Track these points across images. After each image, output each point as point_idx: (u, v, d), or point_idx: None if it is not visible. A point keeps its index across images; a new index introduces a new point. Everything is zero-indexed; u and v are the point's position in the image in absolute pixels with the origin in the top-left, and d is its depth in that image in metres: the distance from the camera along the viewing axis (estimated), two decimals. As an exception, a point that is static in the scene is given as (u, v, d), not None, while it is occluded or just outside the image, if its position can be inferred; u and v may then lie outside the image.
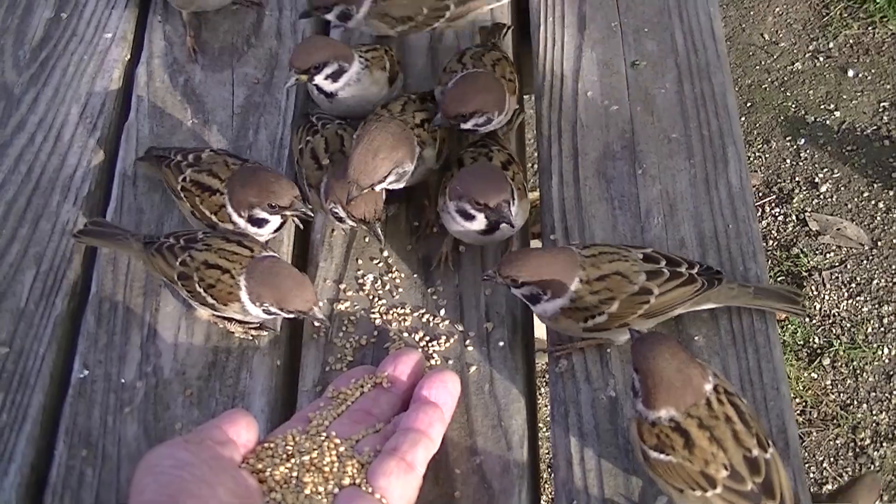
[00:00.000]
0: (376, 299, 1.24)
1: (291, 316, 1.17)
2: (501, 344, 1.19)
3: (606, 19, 1.44)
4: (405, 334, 1.20)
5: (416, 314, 1.22)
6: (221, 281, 1.16)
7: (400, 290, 1.24)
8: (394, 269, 1.26)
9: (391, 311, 1.23)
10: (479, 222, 1.17)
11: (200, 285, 1.18)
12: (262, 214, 1.22)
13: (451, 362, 1.18)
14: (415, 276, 1.25)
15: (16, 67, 1.56)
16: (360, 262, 1.28)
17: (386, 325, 1.21)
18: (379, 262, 1.28)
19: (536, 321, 1.24)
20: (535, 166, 1.37)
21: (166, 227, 1.35)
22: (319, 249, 1.30)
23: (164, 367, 1.24)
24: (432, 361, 1.18)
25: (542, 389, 2.10)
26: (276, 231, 1.26)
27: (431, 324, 1.21)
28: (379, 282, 1.25)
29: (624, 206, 1.27)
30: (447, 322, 1.21)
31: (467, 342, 1.19)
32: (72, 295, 1.33)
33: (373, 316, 1.23)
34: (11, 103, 1.51)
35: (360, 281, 1.26)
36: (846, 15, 2.93)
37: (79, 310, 1.32)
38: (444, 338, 1.19)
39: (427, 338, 1.20)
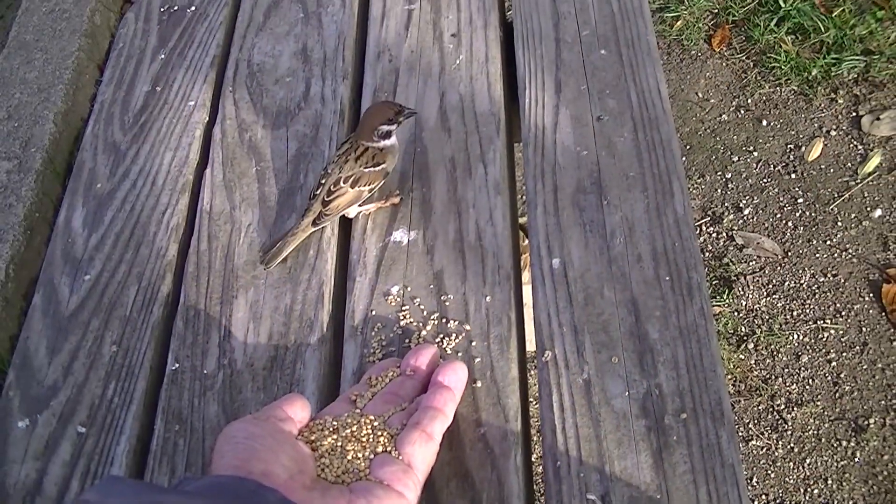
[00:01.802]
0: (401, 305, 1.21)
1: (393, 125, 1.30)
2: (499, 340, 1.16)
3: (577, 83, 1.41)
4: (423, 333, 1.18)
5: (432, 317, 1.19)
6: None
7: (418, 298, 1.21)
8: (414, 281, 1.23)
9: (412, 315, 1.20)
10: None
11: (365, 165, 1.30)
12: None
13: (460, 354, 1.15)
14: (430, 286, 1.22)
15: (122, 129, 1.55)
16: (387, 276, 1.25)
17: (408, 326, 1.19)
18: (402, 277, 1.25)
19: (527, 320, 1.21)
20: (524, 198, 1.34)
21: (237, 254, 1.33)
22: (356, 267, 1.27)
23: (237, 361, 1.22)
24: (445, 354, 1.15)
25: (532, 373, 2.09)
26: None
27: (444, 324, 1.18)
28: (402, 292, 1.23)
29: (594, 230, 1.24)
30: (456, 323, 1.18)
31: (472, 339, 1.16)
32: (165, 305, 1.32)
33: (398, 318, 1.20)
34: (119, 157, 1.50)
35: (388, 291, 1.23)
36: (760, 78, 2.91)
37: (171, 316, 1.30)
38: (454, 335, 1.16)
39: (441, 335, 1.17)
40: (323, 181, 1.30)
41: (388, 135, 1.29)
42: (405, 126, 1.40)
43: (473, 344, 1.16)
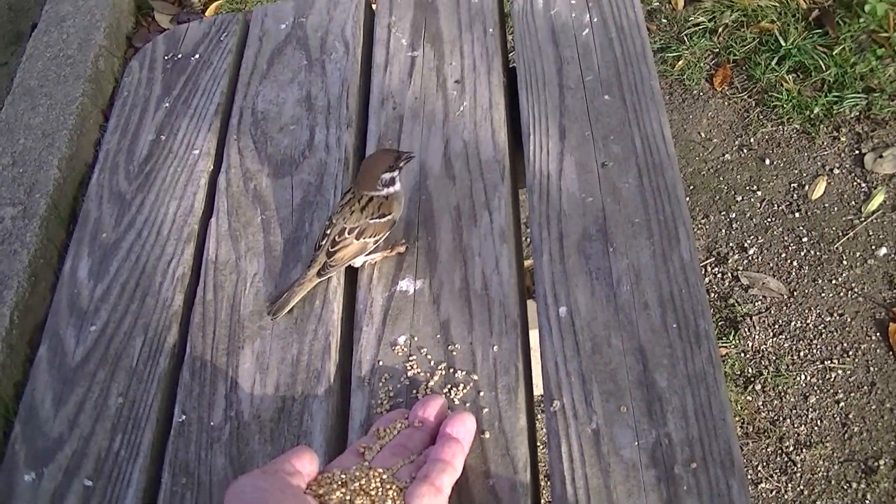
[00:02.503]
0: (408, 356, 1.22)
1: (396, 172, 1.30)
2: (507, 390, 1.16)
3: (581, 129, 1.42)
4: (431, 383, 1.18)
5: (439, 367, 1.19)
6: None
7: (425, 348, 1.22)
8: (421, 332, 1.24)
9: (420, 365, 1.20)
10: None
11: (371, 216, 1.30)
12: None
13: (467, 405, 1.15)
14: (437, 336, 1.23)
15: (127, 178, 1.56)
16: (394, 326, 1.25)
17: (416, 377, 1.19)
18: (409, 327, 1.25)
19: (534, 370, 1.22)
20: (530, 244, 1.35)
21: (243, 304, 1.34)
22: (363, 317, 1.28)
23: (244, 412, 1.22)
24: (453, 405, 1.15)
25: (540, 425, 2.08)
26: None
27: (451, 375, 1.18)
28: (409, 342, 1.23)
29: (600, 277, 1.24)
30: (464, 373, 1.18)
31: (480, 389, 1.16)
32: (171, 355, 1.32)
33: (406, 369, 1.20)
34: (124, 206, 1.51)
35: (395, 341, 1.24)
36: (762, 117, 2.93)
37: (177, 367, 1.31)
38: (461, 385, 1.17)
39: (448, 385, 1.17)
40: (327, 231, 1.31)
41: (391, 182, 1.30)
42: (409, 173, 1.41)
43: (481, 394, 1.16)
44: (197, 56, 1.76)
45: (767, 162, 2.83)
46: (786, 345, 2.46)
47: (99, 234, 1.50)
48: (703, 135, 2.92)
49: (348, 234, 1.28)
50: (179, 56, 1.77)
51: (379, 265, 1.33)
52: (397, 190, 1.32)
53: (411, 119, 1.50)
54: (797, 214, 2.70)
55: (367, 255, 1.31)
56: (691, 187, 2.80)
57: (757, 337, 2.48)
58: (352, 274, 1.35)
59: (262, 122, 1.58)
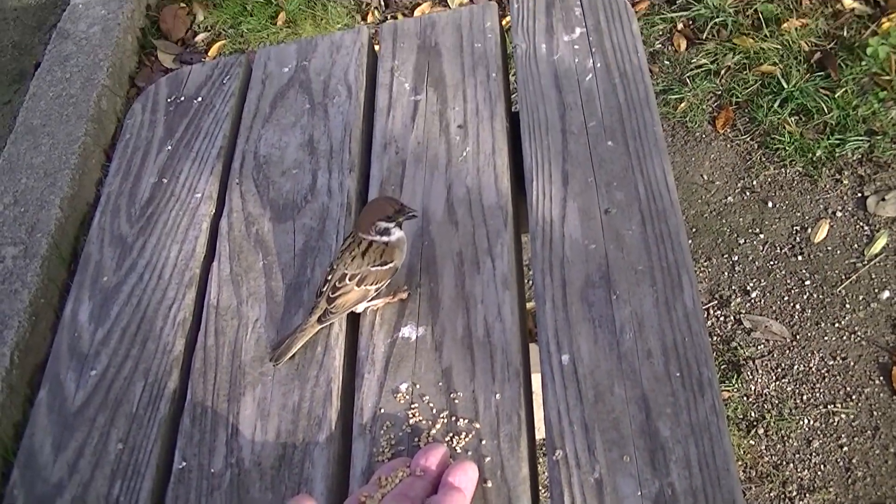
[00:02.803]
0: (410, 403, 1.22)
1: (393, 223, 1.31)
2: (509, 438, 1.16)
3: (584, 175, 1.43)
4: (433, 431, 1.18)
5: (441, 415, 1.19)
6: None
7: (427, 395, 1.22)
8: (423, 379, 1.24)
9: (421, 413, 1.20)
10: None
11: (373, 264, 1.31)
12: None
13: (469, 454, 1.15)
14: (439, 383, 1.23)
15: (129, 221, 1.57)
16: (396, 373, 1.26)
17: (418, 424, 1.19)
18: (411, 374, 1.25)
19: (538, 418, 1.22)
20: (532, 289, 1.35)
21: (244, 350, 1.34)
22: (364, 363, 1.28)
23: (245, 459, 1.22)
24: (455, 453, 1.15)
25: (542, 468, 2.08)
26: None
27: (454, 423, 1.18)
28: (411, 389, 1.23)
29: (603, 325, 1.24)
30: (466, 421, 1.18)
31: (482, 437, 1.16)
32: (172, 401, 1.32)
33: (407, 417, 1.20)
34: (125, 250, 1.52)
35: (397, 388, 1.24)
36: (764, 159, 2.95)
37: (177, 413, 1.31)
38: (463, 434, 1.17)
39: (450, 434, 1.17)
40: (329, 277, 1.32)
41: (385, 231, 1.31)
42: (413, 219, 1.42)
43: (483, 443, 1.16)
44: (199, 99, 1.77)
45: (770, 204, 2.84)
46: (789, 388, 2.46)
47: (100, 278, 1.50)
48: (705, 177, 2.93)
49: (349, 280, 1.29)
50: (182, 98, 1.79)
51: (381, 311, 1.33)
52: (399, 237, 1.33)
53: (414, 164, 1.51)
54: (800, 257, 2.71)
55: (368, 301, 1.31)
56: (694, 230, 2.81)
57: (760, 380, 2.48)
58: (354, 320, 1.36)
59: (265, 166, 1.59)
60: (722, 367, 2.53)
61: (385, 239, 1.31)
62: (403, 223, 1.34)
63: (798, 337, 2.54)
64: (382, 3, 3.78)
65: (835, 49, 3.10)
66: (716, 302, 2.66)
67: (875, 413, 2.38)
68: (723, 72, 3.17)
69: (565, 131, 1.51)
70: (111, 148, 2.74)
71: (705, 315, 2.60)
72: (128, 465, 1.26)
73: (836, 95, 2.98)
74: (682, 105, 3.13)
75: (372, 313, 1.33)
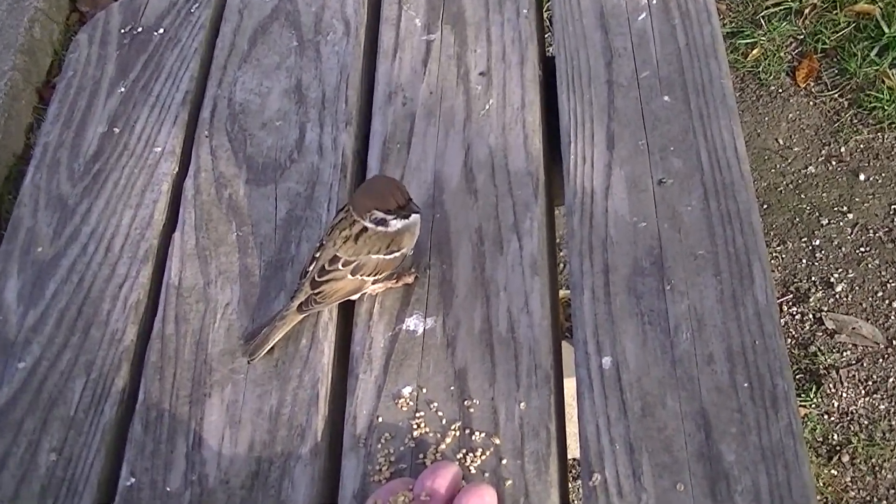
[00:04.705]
0: (414, 411, 1.23)
1: (393, 216, 1.29)
2: (536, 457, 1.17)
3: (634, 138, 1.44)
4: (442, 446, 1.19)
5: (452, 427, 1.20)
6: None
7: (436, 402, 1.23)
8: (431, 381, 1.25)
9: (428, 424, 1.22)
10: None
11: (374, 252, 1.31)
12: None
13: (486, 475, 1.16)
14: (451, 388, 1.24)
15: (70, 179, 1.58)
16: (398, 374, 1.27)
17: (424, 437, 1.20)
18: (416, 375, 1.26)
19: (571, 433, 1.23)
20: (567, 277, 1.36)
21: (211, 340, 1.35)
22: (359, 361, 1.29)
23: (209, 476, 1.23)
24: (469, 474, 1.16)
25: (576, 502, 2.09)
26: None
27: (467, 437, 1.20)
28: (416, 394, 1.25)
29: (653, 322, 1.26)
30: (483, 435, 1.19)
31: (503, 456, 1.18)
32: (120, 402, 1.33)
33: (411, 428, 1.22)
34: (66, 214, 1.53)
35: (398, 393, 1.25)
36: (856, 121, 2.94)
37: (126, 417, 1.32)
38: (480, 450, 1.18)
39: (463, 450, 1.18)
40: (316, 255, 1.33)
41: (382, 223, 1.30)
42: (423, 185, 1.43)
43: (504, 462, 1.17)
44: (161, 30, 1.77)
45: (862, 177, 2.84)
46: (881, 406, 2.46)
47: (33, 248, 1.51)
48: (781, 142, 2.94)
49: (342, 266, 1.30)
50: (139, 30, 1.79)
51: (381, 298, 1.34)
52: (407, 223, 1.32)
53: (425, 118, 1.52)
54: (897, 244, 2.71)
55: (365, 290, 1.33)
56: (765, 206, 2.81)
57: (845, 395, 2.49)
58: (347, 308, 1.37)
59: (241, 117, 1.60)
60: (797, 376, 2.53)
61: (382, 229, 1.31)
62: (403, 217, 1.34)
63: (895, 342, 2.55)
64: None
65: (948, -14, 3.10)
66: (791, 296, 2.66)
67: (985, 439, 2.39)
68: (807, 11, 3.17)
69: (611, 83, 1.51)
70: (47, 88, 2.75)
71: (779, 312, 2.60)
72: (62, 480, 1.26)
73: (947, 44, 2.97)
74: (755, 52, 3.12)
75: (370, 299, 1.35)
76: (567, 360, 1.31)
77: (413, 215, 1.31)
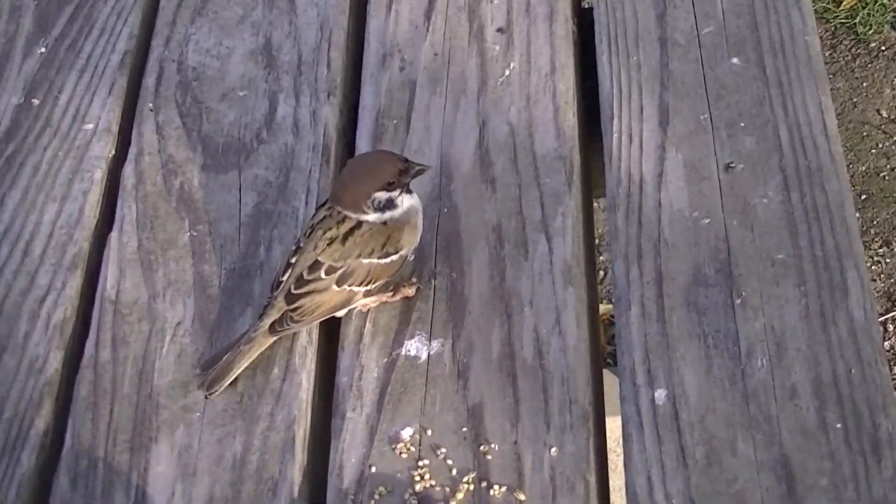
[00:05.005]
0: (416, 459, 1.24)
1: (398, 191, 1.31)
2: (572, 518, 1.18)
3: (694, 111, 1.45)
4: (452, 503, 1.20)
5: (465, 479, 1.21)
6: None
7: (444, 448, 1.24)
8: (438, 420, 1.26)
9: (434, 475, 1.22)
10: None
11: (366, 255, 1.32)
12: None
13: (508, 542, 1.17)
14: (463, 429, 1.25)
15: (-25, 165, 1.57)
16: (395, 412, 1.28)
17: (428, 492, 1.21)
18: (419, 413, 1.27)
19: (615, 487, 1.23)
20: (609, 287, 1.37)
21: (157, 369, 1.36)
22: (346, 396, 1.30)
23: (156, 543, 1.24)
24: (486, 539, 1.18)
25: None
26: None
27: (484, 491, 1.20)
28: (419, 436, 1.25)
29: (719, 345, 1.27)
30: (504, 489, 1.20)
31: (529, 516, 1.19)
32: (41, 449, 1.32)
33: (412, 480, 1.22)
34: (-31, 209, 1.53)
35: (396, 436, 1.26)
36: (981, 88, 2.94)
37: (49, 467, 1.31)
38: (500, 508, 1.19)
39: (480, 508, 1.19)
40: (292, 261, 1.34)
41: (389, 205, 1.32)
42: (425, 174, 1.42)
43: (530, 524, 1.19)
44: (92, -26, 1.77)
45: None
46: None
47: (-73, 251, 1.51)
48: (884, 114, 2.93)
49: (325, 274, 1.31)
50: (64, -27, 1.79)
51: (374, 315, 1.35)
52: (409, 208, 1.34)
53: (428, 87, 1.53)
54: None
55: (353, 305, 1.34)
56: (863, 197, 2.80)
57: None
58: (331, 328, 1.38)
59: (195, 85, 1.61)
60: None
61: (388, 215, 1.31)
62: (408, 195, 1.34)
63: None
64: None
65: None
66: (896, 313, 2.66)
67: None
68: (917, -53, 3.17)
69: (665, 41, 1.52)
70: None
71: (881, 332, 2.60)
72: (-32, 547, 1.27)
73: None
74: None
75: (360, 317, 1.36)
76: (610, 393, 1.32)
77: (418, 175, 1.33)
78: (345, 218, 1.32)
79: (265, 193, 1.49)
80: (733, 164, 1.40)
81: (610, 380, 1.33)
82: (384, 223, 1.32)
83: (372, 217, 1.31)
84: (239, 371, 1.32)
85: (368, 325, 1.35)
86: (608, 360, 1.65)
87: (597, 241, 1.50)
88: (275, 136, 1.54)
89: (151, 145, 1.57)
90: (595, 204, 1.48)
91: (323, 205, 1.35)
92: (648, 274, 1.33)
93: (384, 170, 1.30)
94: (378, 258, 1.31)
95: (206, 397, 1.32)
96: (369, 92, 1.56)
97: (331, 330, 1.38)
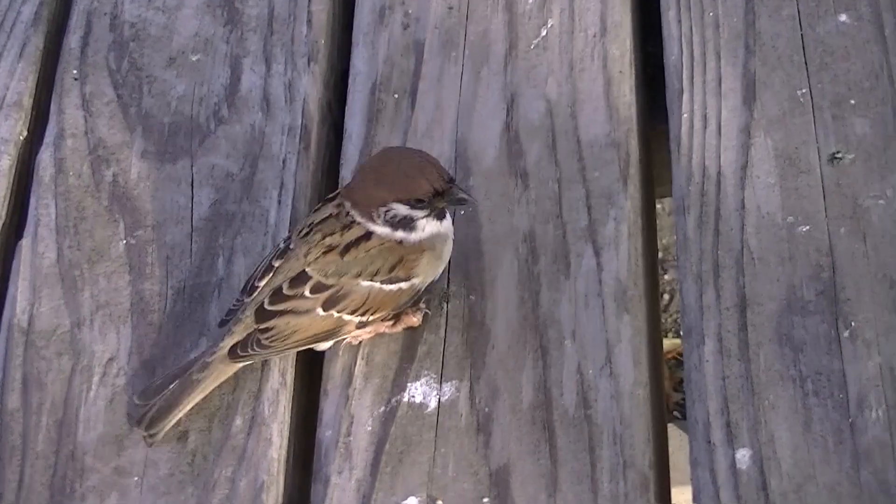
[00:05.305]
0: (424, 540, 1.23)
1: (424, 212, 1.27)
2: None
3: (789, 84, 1.44)
4: None
5: (487, 565, 1.21)
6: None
7: (460, 523, 1.23)
8: (451, 488, 1.26)
9: (446, 561, 1.22)
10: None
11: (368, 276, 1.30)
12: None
13: None
14: (484, 500, 1.25)
15: None
16: (395, 476, 1.27)
17: (439, 587, 1.21)
18: (426, 479, 1.27)
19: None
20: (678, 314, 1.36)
21: (83, 419, 1.35)
22: (331, 455, 1.30)
23: None
24: None
25: None
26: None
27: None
28: (426, 509, 1.25)
29: (821, 391, 1.25)
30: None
31: None
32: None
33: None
34: None
35: (397, 508, 1.25)
36: None
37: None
38: None
39: None
40: (276, 263, 1.33)
41: (406, 223, 1.29)
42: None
43: None
44: None
45: None
46: None
47: None
48: None
49: (311, 292, 1.30)
50: None
51: (367, 348, 1.35)
52: (435, 234, 1.31)
53: (439, 51, 1.53)
54: None
55: (341, 336, 1.33)
56: None
57: None
58: (311, 362, 1.38)
59: (133, 46, 1.61)
60: None
61: (401, 235, 1.30)
62: (441, 219, 1.32)
63: None
64: None
65: None
66: None
67: None
68: None
69: (750, -8, 1.52)
70: None
71: None
72: None
73: None
74: None
75: (349, 350, 1.36)
76: (677, 455, 1.31)
77: (458, 207, 1.32)
78: (353, 223, 1.31)
79: (225, 190, 1.48)
80: (840, 155, 1.39)
81: (677, 437, 1.32)
82: (399, 242, 1.30)
83: (382, 230, 1.30)
84: (188, 408, 1.31)
85: (360, 363, 1.35)
86: (675, 411, 1.63)
87: (660, 254, 1.48)
88: (238, 115, 1.54)
89: (76, 125, 1.56)
90: (658, 206, 1.46)
91: (331, 199, 1.35)
92: (728, 298, 1.32)
93: (417, 182, 1.27)
94: (382, 283, 1.30)
95: (148, 444, 1.31)
96: (362, 57, 1.55)
97: (311, 367, 1.38)
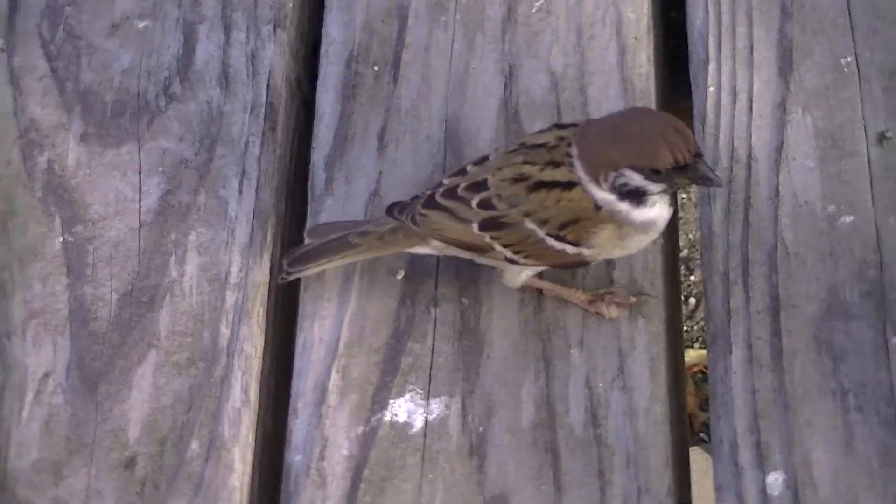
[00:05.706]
0: None
1: (660, 186, 1.27)
2: None
3: (832, 52, 1.50)
4: None
5: None
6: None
7: None
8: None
9: None
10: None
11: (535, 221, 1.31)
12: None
13: None
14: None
15: None
16: (377, 504, 1.33)
17: None
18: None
19: None
20: (702, 321, 1.38)
21: (14, 445, 1.38)
22: (302, 483, 1.35)
23: None
24: None
25: None
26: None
27: None
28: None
29: (865, 406, 1.30)
30: None
31: None
32: None
33: None
34: None
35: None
36: None
37: None
38: None
39: None
40: (470, 168, 1.39)
41: (634, 195, 1.31)
42: (428, 142, 1.49)
43: None
44: None
45: None
46: None
47: None
48: None
49: (477, 205, 1.35)
50: None
51: (345, 361, 1.40)
52: (647, 220, 1.33)
53: (426, 15, 1.58)
54: None
55: (511, 265, 1.38)
56: None
57: None
58: (277, 375, 1.44)
59: (70, 11, 1.66)
60: None
61: (625, 208, 1.32)
62: (665, 201, 1.33)
63: None
64: None
65: None
66: None
67: None
68: None
69: (786, -53, 1.56)
70: None
71: None
72: None
73: None
74: None
75: (320, 363, 1.40)
76: (702, 480, 1.35)
77: (702, 186, 1.34)
78: (565, 165, 1.34)
79: (178, 178, 1.53)
80: (890, 134, 1.44)
81: (703, 462, 1.35)
82: (597, 206, 1.32)
83: (604, 196, 1.32)
84: (331, 265, 1.40)
85: (335, 377, 1.39)
86: (701, 432, 1.65)
87: (685, 251, 1.52)
88: (193, 91, 1.58)
89: (3, 104, 1.60)
90: (684, 196, 1.50)
91: (563, 126, 1.38)
92: (759, 300, 1.37)
93: (660, 149, 1.28)
94: (547, 234, 1.34)
95: (281, 280, 1.41)
96: (337, 23, 1.59)
97: (278, 382, 1.43)
